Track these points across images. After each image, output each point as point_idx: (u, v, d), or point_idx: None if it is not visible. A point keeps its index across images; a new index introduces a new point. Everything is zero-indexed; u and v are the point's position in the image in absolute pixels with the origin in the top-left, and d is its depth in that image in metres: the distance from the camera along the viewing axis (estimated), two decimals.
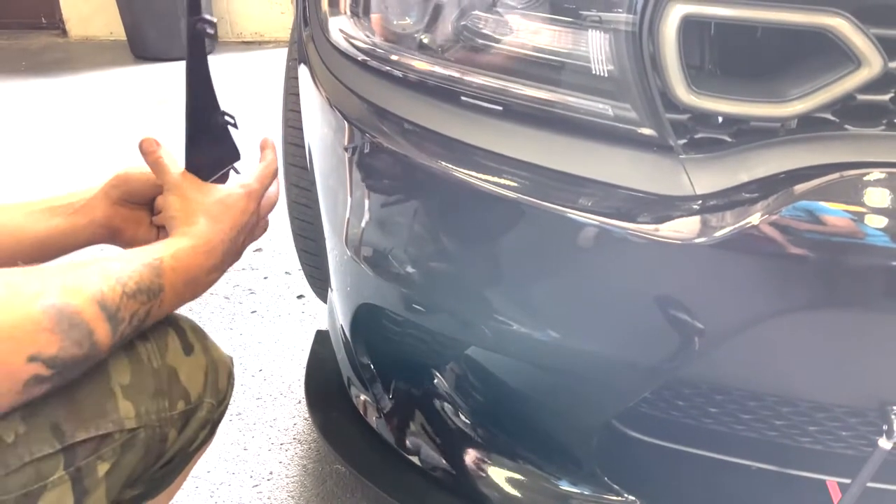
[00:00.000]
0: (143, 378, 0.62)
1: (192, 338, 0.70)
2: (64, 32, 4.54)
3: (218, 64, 3.82)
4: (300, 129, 1.03)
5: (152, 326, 0.65)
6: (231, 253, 0.73)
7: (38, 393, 0.52)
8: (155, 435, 0.63)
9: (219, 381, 0.71)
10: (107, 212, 0.80)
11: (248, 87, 3.37)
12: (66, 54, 4.12)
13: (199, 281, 0.68)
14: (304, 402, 1.28)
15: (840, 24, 0.56)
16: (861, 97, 0.59)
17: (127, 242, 0.81)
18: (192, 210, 0.71)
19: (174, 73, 3.62)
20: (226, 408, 0.74)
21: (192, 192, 0.73)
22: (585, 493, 0.83)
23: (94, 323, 0.54)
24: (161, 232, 0.82)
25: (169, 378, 0.64)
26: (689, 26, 0.61)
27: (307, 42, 0.93)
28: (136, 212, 0.81)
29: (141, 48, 3.89)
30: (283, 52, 1.27)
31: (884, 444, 0.65)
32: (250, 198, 0.76)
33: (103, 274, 0.57)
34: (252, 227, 0.77)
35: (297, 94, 1.02)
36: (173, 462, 0.69)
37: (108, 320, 0.56)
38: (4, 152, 2.64)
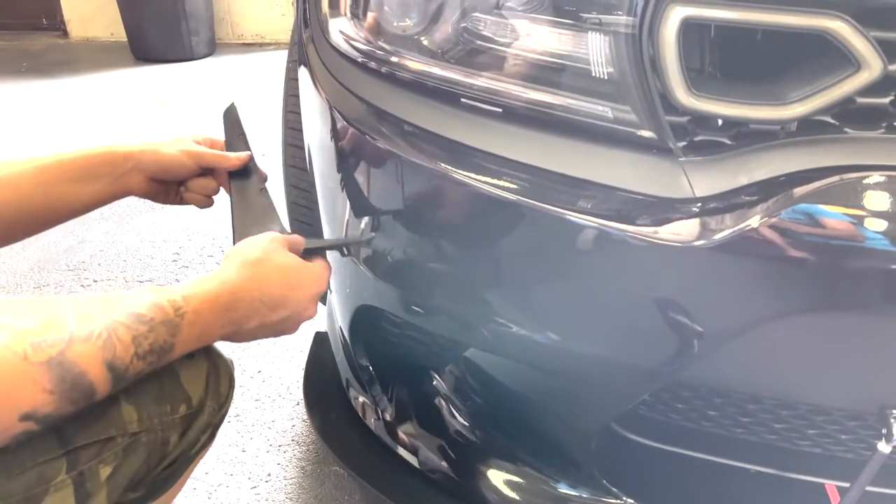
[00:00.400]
0: (145, 383, 0.61)
1: None
2: (65, 34, 4.54)
3: (219, 65, 3.83)
4: (300, 130, 1.03)
5: None
6: (258, 319, 0.67)
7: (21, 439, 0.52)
8: (157, 439, 0.63)
9: (220, 385, 0.71)
10: (141, 185, 0.86)
11: (249, 89, 3.37)
12: (67, 55, 4.13)
13: (211, 336, 0.65)
14: (302, 403, 1.28)
15: (840, 27, 0.56)
16: (861, 100, 0.59)
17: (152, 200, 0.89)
18: (239, 254, 0.68)
19: (174, 75, 3.62)
20: (227, 411, 0.74)
21: (257, 243, 0.70)
22: (584, 495, 0.83)
23: (98, 383, 0.53)
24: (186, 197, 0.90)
25: (171, 383, 0.64)
26: (689, 29, 0.61)
27: (307, 43, 0.93)
28: (166, 185, 0.89)
29: (142, 49, 3.90)
30: (283, 54, 1.27)
31: (883, 447, 0.65)
32: (319, 278, 0.73)
33: (120, 330, 0.55)
34: (300, 313, 0.71)
35: (297, 96, 1.02)
36: (175, 465, 0.68)
37: (112, 380, 0.55)
38: (5, 153, 2.64)
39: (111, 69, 3.76)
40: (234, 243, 0.76)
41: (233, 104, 0.98)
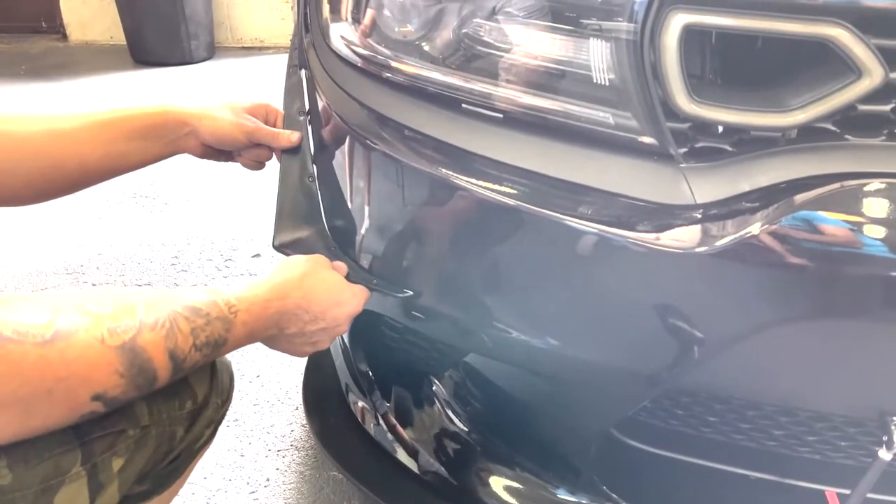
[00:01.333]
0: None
1: None
2: (64, 37, 4.54)
3: (218, 69, 3.83)
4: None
5: None
6: (297, 326, 0.71)
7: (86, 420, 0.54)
8: (165, 433, 0.65)
9: (222, 381, 0.73)
10: (196, 149, 0.88)
11: (248, 93, 3.37)
12: (66, 58, 4.13)
13: (257, 336, 0.68)
14: (301, 408, 1.28)
15: (841, 35, 0.56)
16: (862, 107, 0.59)
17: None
18: (290, 266, 0.72)
19: (174, 78, 3.62)
20: (228, 408, 0.76)
21: (307, 259, 0.74)
22: (583, 501, 0.83)
23: (161, 371, 0.56)
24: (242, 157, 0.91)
25: (179, 379, 0.65)
26: (691, 35, 0.61)
27: (308, 48, 0.93)
28: (219, 151, 0.90)
29: (141, 53, 3.89)
30: (283, 58, 1.27)
31: (883, 454, 0.65)
32: (357, 299, 0.76)
33: (181, 321, 0.58)
34: (334, 327, 0.74)
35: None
36: (179, 459, 0.70)
37: (172, 369, 0.57)
38: None
39: (110, 72, 3.76)
40: (274, 230, 0.83)
41: (300, 74, 0.96)
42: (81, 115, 0.82)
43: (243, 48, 4.28)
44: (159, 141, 0.85)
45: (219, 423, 0.75)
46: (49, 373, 0.48)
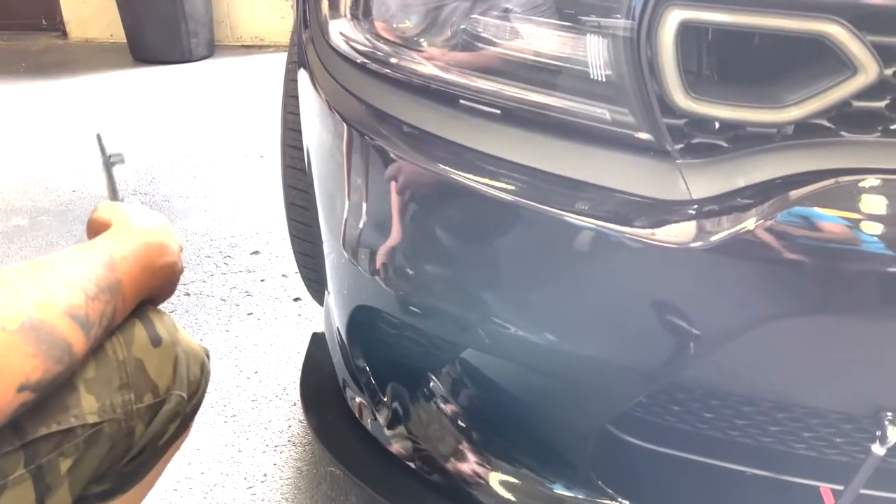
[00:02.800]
0: (107, 371, 0.61)
1: (161, 329, 0.68)
2: (64, 34, 4.54)
3: (218, 67, 3.83)
4: (299, 131, 1.03)
5: None
6: (164, 254, 0.70)
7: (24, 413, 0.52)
8: (120, 429, 0.62)
9: (190, 372, 0.70)
10: None
11: (248, 91, 3.37)
12: (65, 56, 4.13)
13: (153, 266, 0.67)
14: (299, 404, 1.28)
15: (837, 31, 0.57)
16: (857, 104, 0.59)
17: None
18: (123, 212, 0.71)
19: (173, 76, 3.62)
20: (199, 400, 0.73)
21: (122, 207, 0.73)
22: (580, 497, 0.83)
23: (70, 336, 0.54)
24: None
25: (135, 371, 0.63)
26: (688, 32, 0.61)
27: (307, 45, 0.93)
28: None
29: (140, 51, 3.90)
30: (282, 57, 1.28)
31: (877, 449, 0.66)
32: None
33: (64, 282, 0.56)
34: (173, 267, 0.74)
35: (297, 97, 1.02)
36: (142, 456, 0.67)
37: (81, 328, 0.55)
38: (5, 154, 2.64)
39: (110, 70, 3.76)
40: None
41: (98, 134, 0.96)
42: None
43: (243, 46, 4.28)
44: None
45: (189, 416, 0.71)
46: None
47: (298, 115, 1.02)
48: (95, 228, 0.70)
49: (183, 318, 1.55)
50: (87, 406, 0.58)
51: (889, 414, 0.65)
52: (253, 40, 4.30)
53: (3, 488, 0.53)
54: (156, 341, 0.66)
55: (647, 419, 0.81)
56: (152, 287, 0.69)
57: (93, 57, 4.09)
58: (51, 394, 0.56)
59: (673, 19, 0.61)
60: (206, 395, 0.76)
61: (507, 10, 0.71)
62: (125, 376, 0.62)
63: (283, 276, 1.74)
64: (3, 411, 0.50)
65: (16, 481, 0.54)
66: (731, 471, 0.79)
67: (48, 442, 0.56)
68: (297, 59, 0.99)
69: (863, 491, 0.70)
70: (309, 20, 0.95)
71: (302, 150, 1.03)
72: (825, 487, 0.77)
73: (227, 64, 3.89)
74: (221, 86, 3.48)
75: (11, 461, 0.53)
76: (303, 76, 0.94)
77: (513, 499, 0.86)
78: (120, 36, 4.04)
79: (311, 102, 0.91)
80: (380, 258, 0.81)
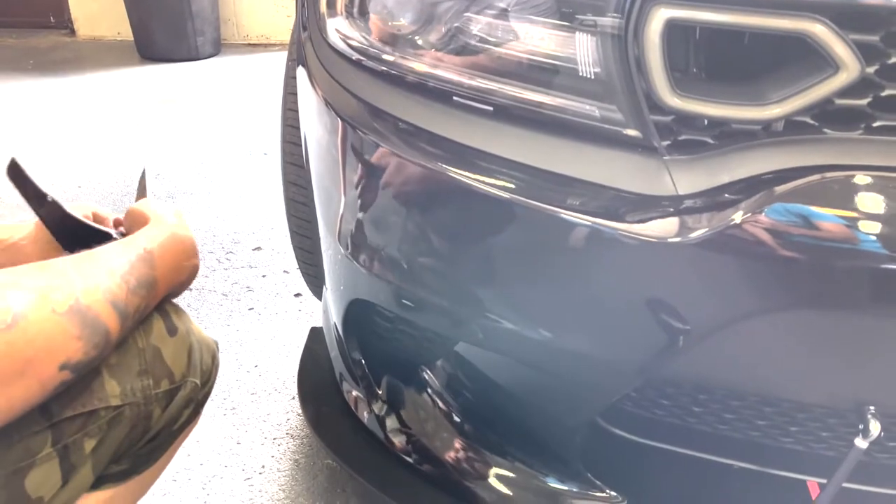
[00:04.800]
0: (128, 358, 0.64)
1: (176, 320, 0.72)
2: (72, 32, 4.58)
3: (224, 65, 3.85)
4: (298, 128, 1.05)
5: None
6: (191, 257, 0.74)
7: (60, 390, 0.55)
8: (140, 412, 0.65)
9: (202, 362, 0.74)
10: (37, 257, 0.78)
11: (253, 89, 3.39)
12: (73, 54, 4.16)
13: (182, 266, 0.71)
14: (298, 397, 1.30)
15: (819, 30, 0.58)
16: (839, 101, 0.60)
17: None
18: (159, 211, 0.74)
19: (179, 74, 3.65)
20: (210, 389, 0.76)
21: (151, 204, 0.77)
22: (569, 489, 0.84)
23: (110, 323, 0.57)
24: None
25: (153, 358, 0.66)
26: (675, 30, 0.62)
27: (305, 42, 0.95)
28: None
29: (147, 49, 3.92)
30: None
31: (860, 443, 0.66)
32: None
33: (109, 271, 0.60)
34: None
35: (296, 94, 1.04)
36: (158, 439, 0.71)
37: (119, 318, 0.59)
38: (11, 150, 2.67)
39: (117, 68, 3.79)
40: None
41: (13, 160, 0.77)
42: None
43: (249, 45, 4.30)
44: None
45: (200, 403, 0.75)
46: (17, 356, 0.49)
47: (297, 111, 1.03)
48: (134, 218, 0.74)
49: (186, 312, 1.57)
50: (110, 390, 0.62)
51: (871, 408, 0.66)
52: (259, 39, 4.32)
53: (30, 466, 0.56)
54: (172, 331, 0.70)
55: (636, 413, 0.82)
56: (178, 283, 0.73)
57: (100, 54, 4.12)
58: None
59: (659, 18, 0.62)
60: None
61: (499, 9, 0.72)
62: (144, 363, 0.65)
63: (285, 271, 1.75)
64: (44, 386, 0.53)
65: (43, 459, 0.57)
66: (719, 464, 0.80)
67: (74, 423, 0.59)
68: (297, 56, 1.00)
69: (847, 485, 0.71)
70: (308, 18, 0.97)
71: (301, 146, 1.05)
72: (812, 481, 0.78)
73: (233, 62, 3.92)
74: (227, 84, 3.50)
75: (39, 440, 0.56)
76: (301, 73, 0.95)
77: (505, 491, 0.87)
78: (127, 34, 4.07)
79: (308, 99, 0.92)
80: (375, 253, 0.83)
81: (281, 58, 3.96)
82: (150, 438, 0.69)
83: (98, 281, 0.58)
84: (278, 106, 1.23)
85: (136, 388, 0.64)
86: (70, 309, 0.54)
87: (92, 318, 0.55)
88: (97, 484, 0.65)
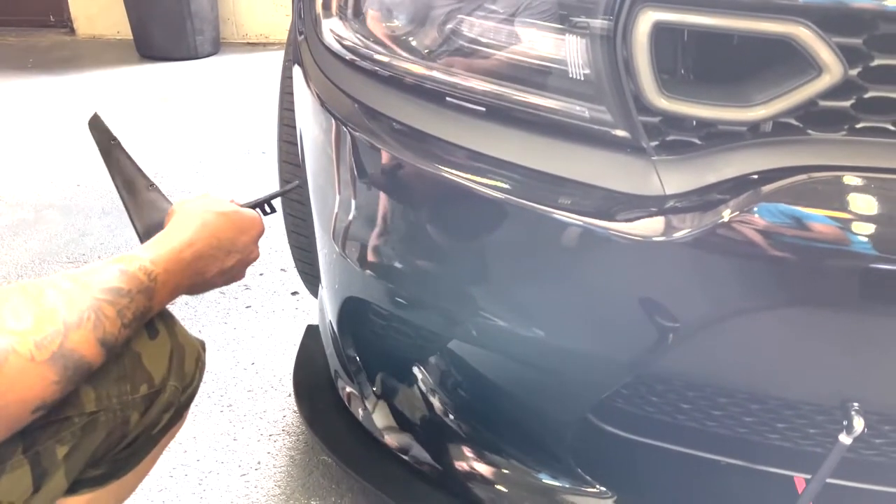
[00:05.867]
0: (106, 364, 0.62)
1: (158, 322, 0.69)
2: (71, 31, 4.58)
3: (223, 64, 3.86)
4: (294, 127, 1.06)
5: None
6: (216, 266, 0.73)
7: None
8: (116, 418, 0.64)
9: (185, 364, 0.72)
10: None
11: (251, 88, 3.40)
12: (72, 52, 4.17)
13: (180, 289, 0.69)
14: (294, 394, 1.31)
15: (803, 33, 0.59)
16: (823, 103, 0.61)
17: None
18: (186, 211, 0.74)
19: (178, 73, 3.65)
20: (194, 392, 0.75)
21: (195, 201, 0.76)
22: (561, 484, 0.85)
23: (94, 359, 0.56)
24: None
25: (132, 362, 0.65)
26: (662, 32, 0.63)
27: (301, 43, 0.96)
28: None
29: (146, 47, 3.93)
30: None
31: (844, 439, 0.67)
32: (256, 220, 0.80)
33: (105, 307, 0.57)
34: (248, 255, 0.78)
35: (292, 94, 1.05)
36: (137, 443, 0.70)
37: (104, 353, 0.58)
38: (11, 148, 2.68)
39: (116, 66, 3.80)
40: (138, 236, 0.83)
41: (95, 114, 0.96)
42: None
43: (248, 44, 4.31)
44: None
45: (183, 406, 0.73)
46: None
47: (294, 111, 1.04)
48: (183, 211, 0.74)
49: (182, 309, 1.58)
50: (85, 396, 0.60)
51: (855, 405, 0.67)
52: (258, 38, 4.33)
53: (1, 472, 0.55)
54: (153, 334, 0.68)
55: (627, 410, 0.83)
56: (190, 290, 0.72)
57: (99, 53, 4.13)
58: None
59: (647, 20, 0.63)
60: (204, 384, 0.78)
61: (491, 12, 0.73)
62: (123, 368, 0.64)
63: (282, 270, 1.76)
64: (15, 429, 0.52)
65: (14, 466, 0.56)
66: (707, 460, 0.81)
67: (46, 430, 0.58)
68: (293, 56, 1.01)
69: (832, 480, 0.72)
70: (304, 18, 0.98)
71: (297, 145, 1.06)
72: (799, 477, 0.79)
73: (232, 61, 3.92)
74: (226, 83, 3.51)
75: (10, 447, 0.55)
76: (297, 73, 0.96)
77: (498, 486, 0.89)
78: (126, 33, 4.08)
79: (304, 99, 0.93)
80: (368, 252, 0.84)
81: (279, 57, 3.96)
82: (128, 443, 0.68)
83: (91, 316, 0.56)
84: (276, 105, 1.24)
85: (112, 394, 0.63)
86: (52, 356, 0.52)
87: (75, 360, 0.54)
88: (74, 488, 0.64)
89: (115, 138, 0.93)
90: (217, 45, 4.05)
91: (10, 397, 0.49)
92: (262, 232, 0.80)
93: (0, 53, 4.09)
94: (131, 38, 4.02)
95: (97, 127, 0.94)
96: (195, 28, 3.83)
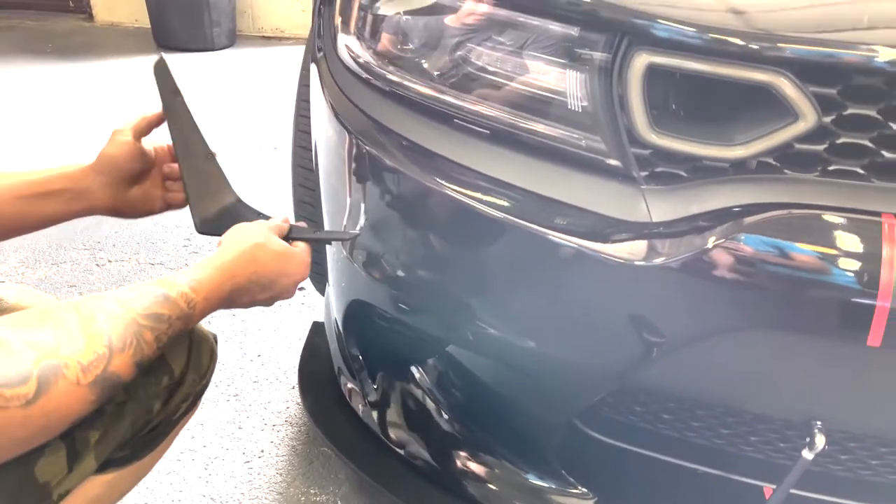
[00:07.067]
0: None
1: None
2: (90, 17, 4.64)
3: (238, 57, 3.91)
4: (309, 133, 1.11)
5: None
6: (249, 297, 0.75)
7: None
8: (141, 407, 0.71)
9: (201, 357, 0.78)
10: (108, 200, 0.85)
11: (265, 83, 3.45)
12: (91, 39, 4.22)
13: (212, 313, 0.71)
14: (297, 387, 1.36)
15: (782, 82, 0.64)
16: (799, 146, 0.66)
17: (134, 215, 0.90)
18: (236, 240, 0.76)
19: (195, 64, 3.71)
20: (208, 381, 0.80)
21: (252, 227, 0.78)
22: (547, 485, 0.91)
23: (128, 378, 0.61)
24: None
25: (156, 358, 0.68)
26: (655, 73, 0.68)
27: (319, 52, 1.01)
28: (144, 189, 0.89)
29: (163, 37, 3.98)
30: (301, 50, 1.35)
31: (807, 454, 0.73)
32: (303, 266, 0.80)
33: (145, 333, 0.61)
34: (281, 295, 0.79)
35: (308, 101, 1.10)
36: (158, 429, 0.76)
37: (137, 372, 0.62)
38: (29, 134, 2.74)
39: (133, 55, 3.85)
40: (192, 215, 0.84)
41: (161, 57, 0.88)
42: None
43: (263, 37, 4.36)
44: (61, 196, 0.83)
45: (198, 395, 0.80)
46: (32, 427, 0.52)
47: (309, 118, 1.09)
48: (233, 240, 0.76)
49: None
50: None
51: (818, 423, 0.73)
52: (274, 32, 4.38)
53: (39, 455, 0.62)
54: None
55: (611, 417, 0.88)
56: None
57: (117, 41, 4.19)
58: None
59: (641, 62, 0.68)
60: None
61: (500, 43, 0.79)
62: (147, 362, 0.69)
63: None
64: (52, 437, 0.57)
65: (52, 450, 0.63)
66: (682, 467, 0.86)
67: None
68: (310, 64, 1.07)
69: (795, 491, 0.77)
70: (323, 30, 1.03)
71: (311, 150, 1.11)
72: (768, 487, 0.84)
73: (247, 54, 3.97)
74: (240, 76, 3.56)
75: None
76: (314, 82, 1.02)
77: (489, 485, 0.94)
78: (144, 21, 4.13)
79: (319, 107, 0.98)
80: (373, 258, 0.89)
81: (294, 52, 4.02)
82: (150, 429, 0.75)
83: (133, 341, 0.60)
84: (289, 102, 1.29)
85: (138, 386, 0.69)
86: (94, 379, 0.56)
87: (114, 381, 0.58)
88: (101, 468, 0.71)
89: (179, 91, 0.88)
90: (233, 38, 4.10)
91: (54, 415, 0.54)
92: (304, 278, 0.80)
93: (20, 38, 4.15)
94: (149, 26, 4.07)
95: (162, 74, 0.87)
96: (212, 20, 3.88)
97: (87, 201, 0.84)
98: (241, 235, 0.76)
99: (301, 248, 0.81)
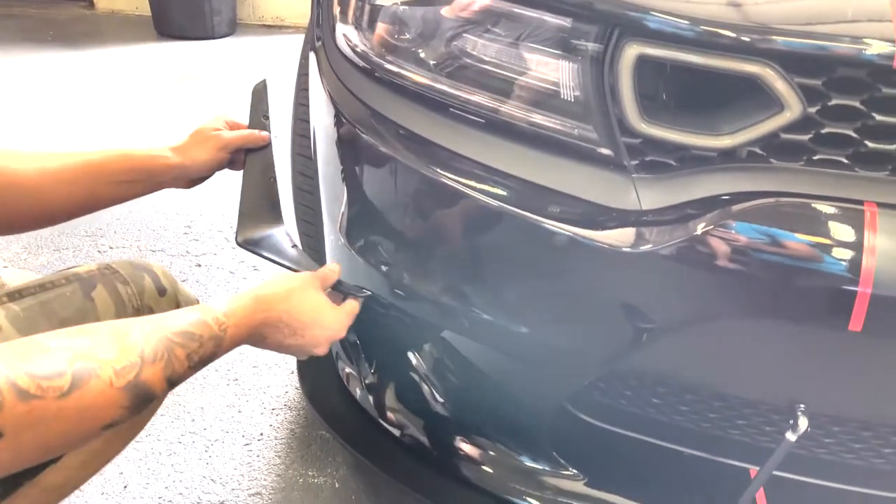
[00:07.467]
0: (125, 318, 0.70)
1: (164, 281, 0.79)
2: (91, 4, 4.63)
3: (238, 45, 3.92)
4: (308, 121, 1.12)
5: (131, 271, 0.78)
6: (276, 337, 0.75)
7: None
8: None
9: None
10: (182, 185, 0.96)
11: (265, 71, 3.45)
12: (92, 27, 4.23)
13: (240, 342, 0.72)
14: (296, 372, 1.39)
15: (768, 73, 0.66)
16: (784, 136, 0.68)
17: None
18: (282, 280, 0.77)
19: (195, 52, 3.71)
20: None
21: (300, 276, 0.80)
22: (539, 466, 0.93)
23: (159, 392, 0.62)
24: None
25: (147, 315, 0.71)
26: (645, 64, 0.70)
27: (317, 42, 1.03)
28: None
29: (164, 25, 3.98)
30: (302, 38, 1.36)
31: (790, 436, 0.75)
32: (340, 324, 0.81)
33: (177, 349, 0.63)
34: (312, 346, 0.79)
35: (307, 90, 1.12)
36: None
37: (168, 389, 0.64)
38: (31, 121, 2.75)
39: (134, 43, 3.86)
40: (237, 230, 0.89)
41: (264, 81, 0.97)
42: (70, 155, 0.86)
43: (264, 26, 4.36)
44: (141, 184, 0.90)
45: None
46: (67, 420, 0.54)
47: (308, 106, 1.11)
48: (279, 279, 0.78)
49: (194, 287, 1.66)
50: None
51: (802, 406, 0.75)
52: (274, 20, 4.38)
53: None
54: (161, 291, 0.79)
55: (601, 402, 0.91)
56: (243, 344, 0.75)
57: (118, 29, 4.19)
58: None
59: (632, 52, 0.70)
60: None
61: (496, 35, 0.80)
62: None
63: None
64: (85, 442, 0.59)
65: None
66: (671, 450, 0.88)
67: None
68: (309, 54, 1.08)
69: (781, 474, 0.79)
70: (321, 20, 1.04)
71: (310, 139, 1.13)
72: (754, 469, 0.86)
73: (248, 42, 3.98)
74: (241, 64, 3.57)
75: None
76: (313, 71, 1.03)
77: (483, 466, 0.96)
78: (145, 9, 4.13)
79: (318, 96, 1.00)
80: (370, 244, 0.91)
81: (294, 40, 4.02)
82: None
83: (165, 355, 0.61)
84: (289, 91, 1.30)
85: None
86: (127, 384, 0.58)
87: (145, 391, 0.60)
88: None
89: (268, 115, 0.96)
90: (233, 26, 4.10)
91: (87, 414, 0.56)
92: (338, 336, 0.81)
93: (21, 25, 4.15)
94: (150, 14, 4.07)
95: (259, 96, 0.95)
96: (213, 8, 3.88)
97: (162, 186, 0.93)
98: (285, 278, 0.78)
99: (346, 306, 0.83)
